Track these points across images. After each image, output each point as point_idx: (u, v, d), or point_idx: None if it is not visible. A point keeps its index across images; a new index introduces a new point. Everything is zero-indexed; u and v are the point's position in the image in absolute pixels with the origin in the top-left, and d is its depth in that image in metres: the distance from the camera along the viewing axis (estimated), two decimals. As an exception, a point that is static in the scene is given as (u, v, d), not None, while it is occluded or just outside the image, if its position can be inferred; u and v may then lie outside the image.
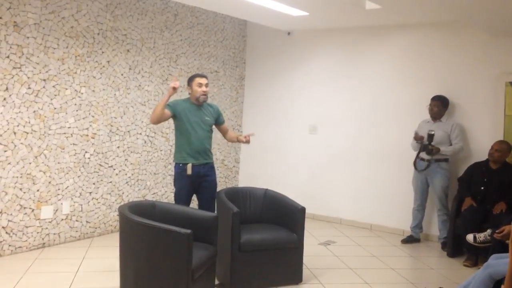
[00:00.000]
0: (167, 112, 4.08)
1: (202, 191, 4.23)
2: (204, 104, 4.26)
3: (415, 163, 5.25)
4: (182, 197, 4.18)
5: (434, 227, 5.44)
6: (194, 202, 4.43)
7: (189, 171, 4.12)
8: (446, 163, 5.18)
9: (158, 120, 4.10)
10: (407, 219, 5.51)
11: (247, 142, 4.36)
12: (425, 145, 5.05)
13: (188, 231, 2.99)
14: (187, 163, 4.14)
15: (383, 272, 4.42)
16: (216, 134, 6.50)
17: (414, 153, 5.32)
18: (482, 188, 4.82)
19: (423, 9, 4.82)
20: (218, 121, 4.40)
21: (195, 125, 4.15)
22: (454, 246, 4.91)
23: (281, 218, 4.09)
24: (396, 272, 4.42)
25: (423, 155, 5.18)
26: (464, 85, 5.35)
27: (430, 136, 5.01)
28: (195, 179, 4.17)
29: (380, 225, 5.89)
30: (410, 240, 5.40)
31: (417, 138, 5.12)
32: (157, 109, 4.04)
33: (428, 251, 5.19)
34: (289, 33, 6.56)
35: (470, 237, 4.32)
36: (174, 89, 3.97)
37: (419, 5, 4.66)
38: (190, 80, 4.24)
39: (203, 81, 4.18)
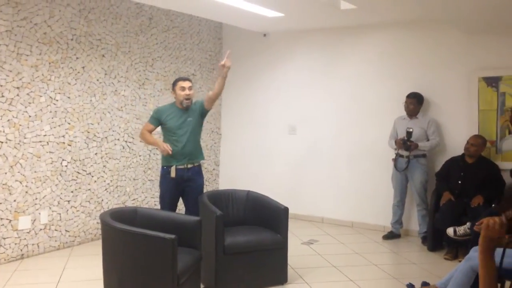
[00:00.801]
0: (153, 127, 4.30)
1: (187, 195, 4.24)
2: (192, 105, 4.28)
3: (395, 164, 5.33)
4: (166, 200, 4.21)
5: (414, 222, 5.52)
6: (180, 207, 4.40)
7: (172, 174, 4.15)
8: (424, 159, 5.27)
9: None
10: (387, 215, 5.58)
11: (226, 66, 4.09)
12: (404, 142, 5.13)
13: (173, 236, 2.96)
14: (171, 166, 4.15)
15: (366, 269, 4.46)
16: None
17: (392, 151, 5.41)
18: (459, 182, 4.91)
19: (398, 8, 4.89)
20: (201, 107, 4.29)
21: (178, 129, 4.18)
22: (434, 240, 4.99)
23: (264, 219, 4.09)
24: (379, 268, 4.47)
25: (402, 151, 5.26)
26: (439, 81, 5.45)
27: (409, 134, 5.10)
28: (180, 182, 4.19)
29: (361, 222, 5.95)
30: (391, 236, 5.47)
31: (398, 144, 5.21)
32: (147, 141, 4.37)
33: (409, 246, 5.26)
34: (265, 35, 6.58)
35: (450, 231, 4.40)
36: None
37: (393, 4, 4.72)
38: (174, 84, 4.27)
39: (185, 84, 4.19)
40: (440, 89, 5.44)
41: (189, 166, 4.21)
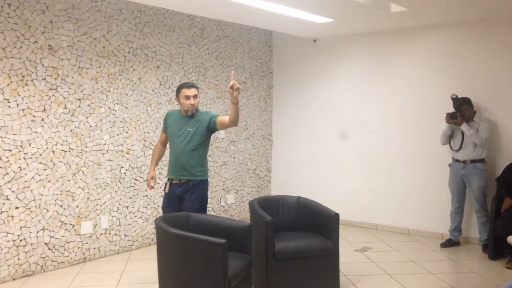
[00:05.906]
0: (164, 135, 4.03)
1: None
2: (198, 114, 3.84)
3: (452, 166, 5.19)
4: (164, 213, 3.90)
5: (474, 229, 5.30)
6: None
7: (166, 189, 3.85)
8: (482, 164, 5.06)
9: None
10: (445, 222, 5.39)
11: (235, 88, 3.45)
12: (452, 114, 5.08)
13: (223, 240, 3.03)
14: (168, 179, 3.88)
15: (422, 277, 4.34)
16: (247, 145, 6.56)
17: (448, 155, 5.24)
18: (522, 187, 4.69)
19: (450, 9, 4.75)
20: (212, 123, 3.76)
21: (176, 139, 3.81)
22: (495, 248, 4.78)
23: (315, 225, 4.08)
24: (436, 277, 4.33)
25: (457, 155, 5.11)
26: (495, 84, 5.23)
27: (455, 100, 5.07)
28: (173, 199, 3.83)
29: (417, 229, 5.78)
30: (449, 243, 5.28)
31: (447, 118, 5.14)
32: (152, 158, 4.15)
33: (468, 254, 5.06)
34: (315, 41, 6.58)
35: (511, 239, 4.20)
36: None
37: (445, 5, 4.60)
38: (177, 92, 3.83)
39: (190, 92, 3.74)
40: (498, 92, 5.21)
41: (182, 181, 3.77)
